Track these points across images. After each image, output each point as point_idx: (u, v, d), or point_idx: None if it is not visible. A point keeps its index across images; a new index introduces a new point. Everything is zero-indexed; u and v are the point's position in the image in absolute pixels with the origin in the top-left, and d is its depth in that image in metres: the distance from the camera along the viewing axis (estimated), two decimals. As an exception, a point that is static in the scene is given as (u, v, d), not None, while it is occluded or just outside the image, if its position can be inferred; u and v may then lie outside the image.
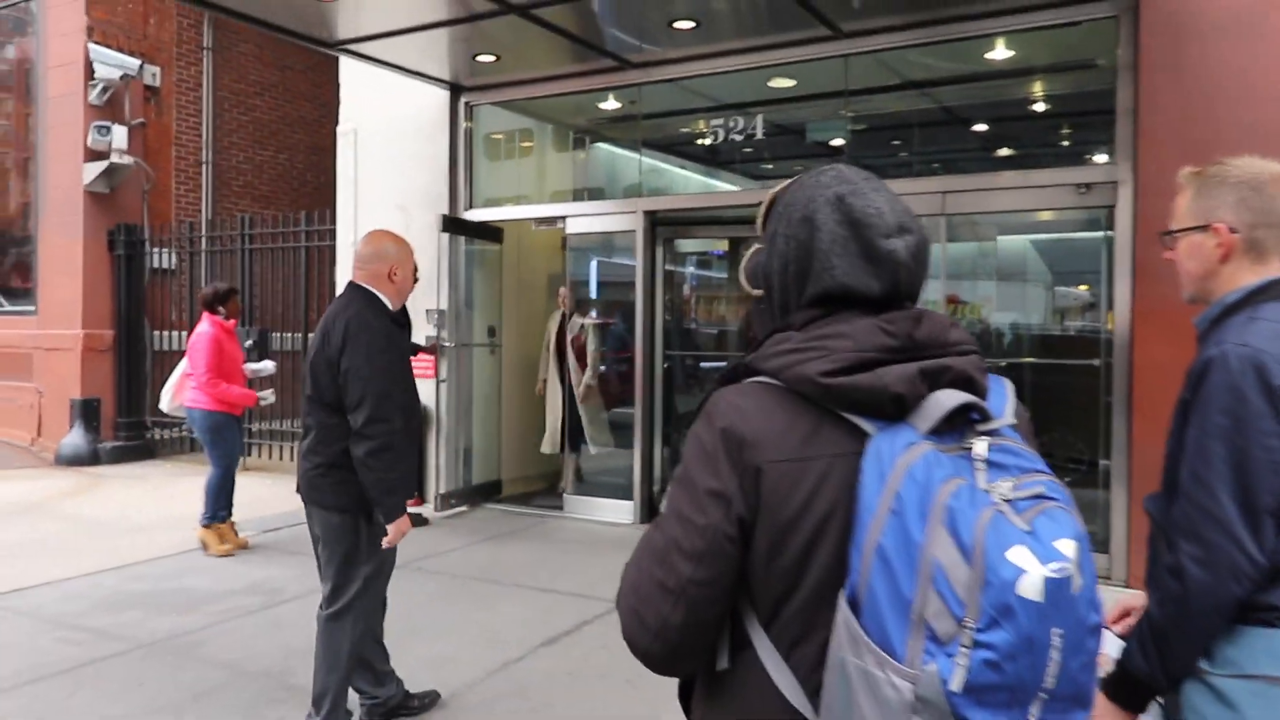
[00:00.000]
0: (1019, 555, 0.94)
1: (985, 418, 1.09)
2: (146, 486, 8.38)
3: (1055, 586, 0.94)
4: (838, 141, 6.81)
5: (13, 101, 10.89)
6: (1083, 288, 7.53)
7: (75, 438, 9.40)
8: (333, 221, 8.30)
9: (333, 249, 8.30)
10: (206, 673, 4.02)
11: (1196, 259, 1.67)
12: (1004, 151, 6.65)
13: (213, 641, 4.39)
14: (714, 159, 7.49)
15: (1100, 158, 5.75)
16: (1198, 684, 1.55)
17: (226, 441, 6.02)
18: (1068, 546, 0.97)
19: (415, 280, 3.46)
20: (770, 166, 7.75)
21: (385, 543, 3.15)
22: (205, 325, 5.97)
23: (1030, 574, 0.93)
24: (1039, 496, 1.02)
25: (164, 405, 6.09)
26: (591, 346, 7.48)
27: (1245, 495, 1.46)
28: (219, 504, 5.93)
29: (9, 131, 11.09)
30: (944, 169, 6.67)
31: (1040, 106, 6.41)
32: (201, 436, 6.08)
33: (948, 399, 1.07)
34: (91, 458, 9.34)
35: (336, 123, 8.20)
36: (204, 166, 10.82)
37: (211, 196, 10.86)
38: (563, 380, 7.53)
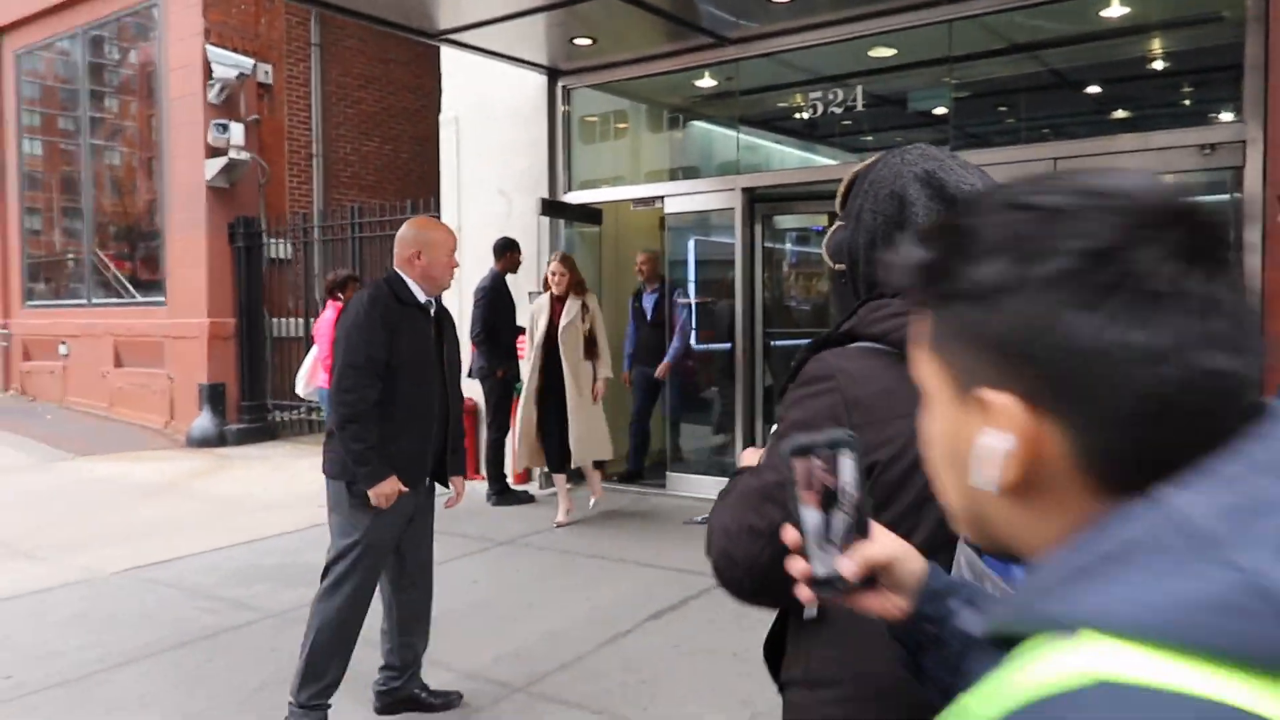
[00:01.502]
0: None
1: None
2: (270, 466, 8.82)
3: None
4: (941, 110, 6.63)
5: (139, 104, 11.51)
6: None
7: (204, 421, 9.93)
8: (437, 208, 8.52)
9: (438, 235, 8.52)
10: (332, 642, 4.22)
11: None
12: (1119, 114, 6.36)
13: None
14: (812, 133, 7.40)
15: (1226, 116, 5.45)
16: None
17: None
18: None
19: (452, 267, 3.44)
20: (871, 139, 7.59)
21: (374, 503, 3.20)
22: (329, 311, 6.24)
23: None
24: None
25: (299, 389, 6.38)
26: (603, 337, 6.29)
27: None
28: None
29: (136, 133, 11.74)
30: (1055, 134, 6.42)
31: (1158, 65, 6.11)
32: (328, 418, 6.35)
33: None
34: (219, 439, 9.87)
35: (437, 112, 8.41)
36: (314, 159, 11.24)
37: (322, 188, 11.27)
38: (553, 379, 6.09)
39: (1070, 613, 0.52)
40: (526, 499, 6.88)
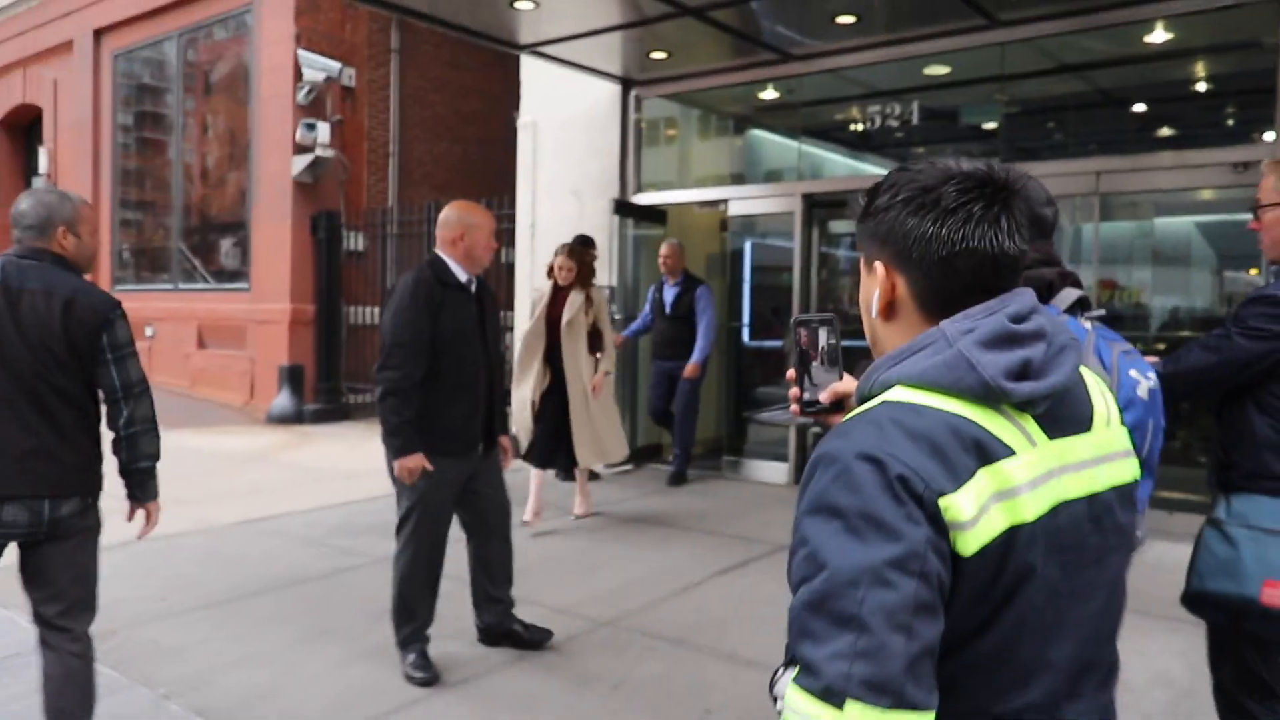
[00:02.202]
0: (1134, 374, 1.66)
1: (1089, 307, 1.83)
2: (346, 444, 9.45)
3: (1153, 394, 1.66)
4: (991, 125, 7.07)
5: (229, 103, 12.26)
6: (1254, 272, 7.51)
7: (283, 400, 10.61)
8: (511, 206, 9.10)
9: (511, 231, 9.09)
10: (436, 583, 4.79)
11: None
12: (1159, 132, 6.77)
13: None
14: (868, 143, 7.87)
15: (1263, 136, 5.84)
16: (1213, 530, 2.13)
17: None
18: (1154, 376, 1.73)
19: (491, 248, 3.69)
20: (923, 150, 8.05)
21: (397, 473, 3.51)
22: None
23: (1141, 384, 1.64)
24: (1128, 351, 1.76)
25: None
26: (608, 330, 6.09)
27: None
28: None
29: (225, 130, 12.49)
30: (1098, 149, 6.84)
31: (1198, 87, 6.51)
32: None
33: (1071, 293, 1.80)
34: (296, 418, 10.53)
35: (504, 116, 8.99)
36: (390, 158, 11.91)
37: (397, 185, 11.94)
38: (556, 377, 5.82)
39: (889, 377, 1.08)
40: (592, 476, 7.40)
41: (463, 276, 3.65)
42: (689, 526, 5.95)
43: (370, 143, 11.69)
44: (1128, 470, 1.17)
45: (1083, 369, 1.18)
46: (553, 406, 5.85)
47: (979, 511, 0.97)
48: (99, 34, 13.66)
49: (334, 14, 11.23)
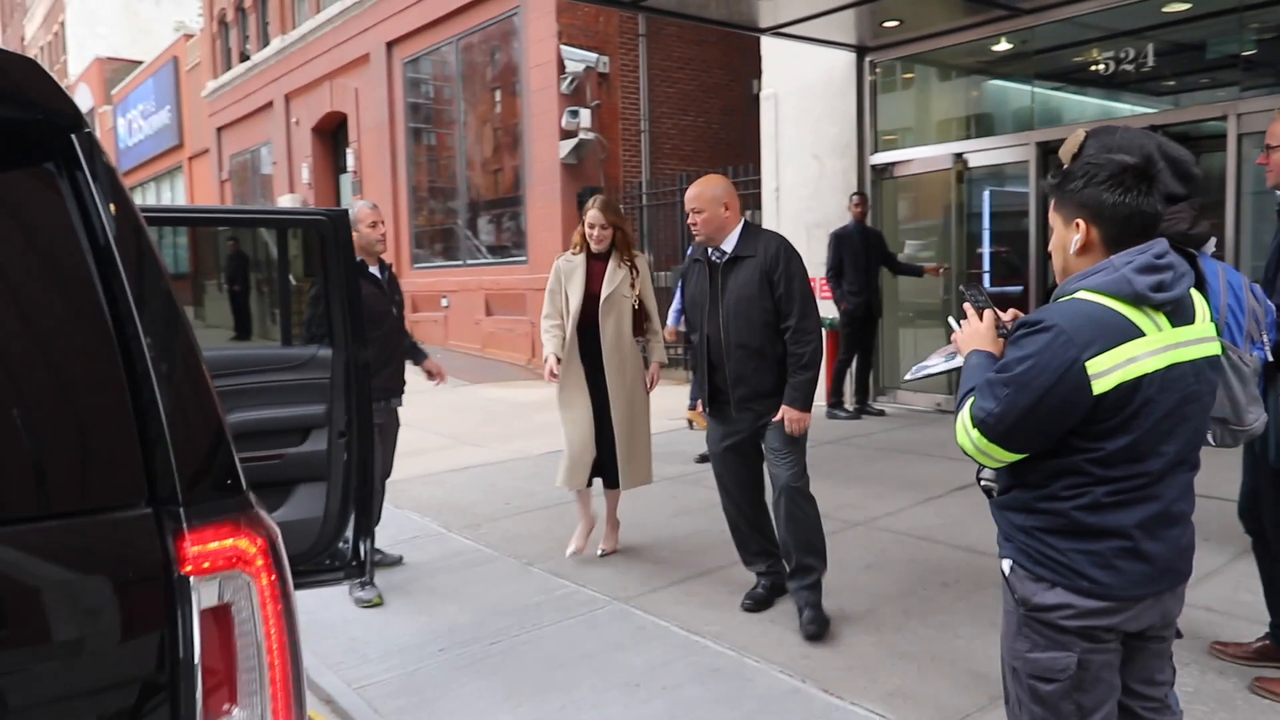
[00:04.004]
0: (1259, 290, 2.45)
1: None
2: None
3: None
4: (1239, 54, 7.04)
5: (502, 96, 13.92)
6: None
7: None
8: (756, 173, 9.96)
9: (757, 196, 9.95)
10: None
11: None
12: None
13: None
14: (1104, 86, 8.00)
15: None
16: None
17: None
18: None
19: (692, 224, 3.73)
20: (1170, 84, 8.05)
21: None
22: None
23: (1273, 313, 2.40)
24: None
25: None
26: (655, 308, 4.77)
27: None
28: (695, 392, 7.89)
29: (500, 120, 14.19)
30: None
31: None
32: None
33: (1212, 243, 2.51)
34: (573, 372, 12.01)
35: (744, 86, 9.80)
36: (642, 135, 13.10)
37: (649, 159, 13.12)
38: (591, 370, 4.60)
39: (1078, 286, 1.88)
40: (878, 413, 8.22)
41: (709, 251, 3.80)
42: (928, 453, 6.66)
43: (623, 121, 12.92)
44: (1213, 348, 1.94)
45: (1194, 293, 1.94)
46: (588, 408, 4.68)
47: (1114, 366, 1.77)
48: (390, 45, 15.81)
49: (589, 8, 12.47)
